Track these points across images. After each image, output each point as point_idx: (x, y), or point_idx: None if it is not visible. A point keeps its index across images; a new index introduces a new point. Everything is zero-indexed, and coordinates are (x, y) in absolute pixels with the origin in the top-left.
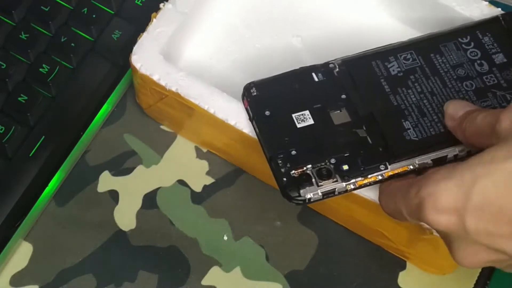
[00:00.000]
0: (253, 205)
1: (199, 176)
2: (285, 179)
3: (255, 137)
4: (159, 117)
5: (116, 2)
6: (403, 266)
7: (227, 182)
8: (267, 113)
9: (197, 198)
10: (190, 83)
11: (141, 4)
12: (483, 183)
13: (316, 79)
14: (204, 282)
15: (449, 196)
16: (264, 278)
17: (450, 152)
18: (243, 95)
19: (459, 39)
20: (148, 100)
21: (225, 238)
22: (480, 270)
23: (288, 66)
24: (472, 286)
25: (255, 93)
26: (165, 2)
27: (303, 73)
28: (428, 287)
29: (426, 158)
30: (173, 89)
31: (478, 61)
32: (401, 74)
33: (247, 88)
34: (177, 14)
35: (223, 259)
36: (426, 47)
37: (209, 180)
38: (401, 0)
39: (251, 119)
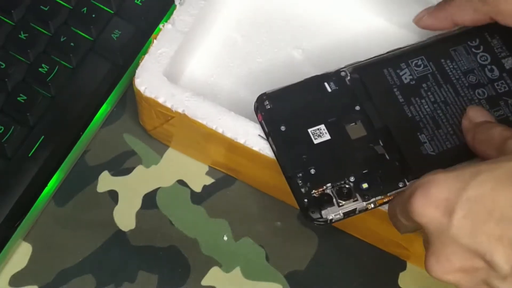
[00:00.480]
0: (253, 205)
1: (199, 176)
2: (306, 200)
3: (266, 154)
4: (165, 138)
5: (115, 2)
6: (403, 267)
7: (227, 182)
8: (282, 128)
9: (197, 198)
10: (197, 103)
11: (141, 4)
12: (483, 176)
13: (329, 89)
14: (204, 282)
15: (444, 186)
16: (264, 278)
17: None
18: (256, 108)
19: (468, 42)
20: (153, 123)
21: (225, 238)
22: None
23: (291, 79)
24: None
25: (268, 106)
26: (164, 23)
27: (315, 82)
28: None
29: None
30: (180, 110)
31: (489, 66)
32: (414, 82)
33: (260, 101)
34: (177, 34)
35: (223, 259)
36: (436, 52)
37: (209, 180)
38: (402, 6)
39: (266, 135)
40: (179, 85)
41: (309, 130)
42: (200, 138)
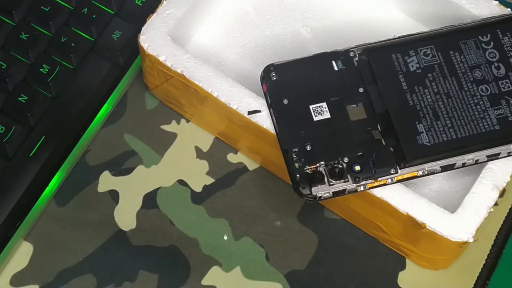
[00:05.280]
0: (253, 205)
1: (199, 176)
2: (298, 175)
3: (258, 123)
4: (165, 98)
5: (116, 2)
6: (403, 266)
7: (227, 182)
8: (285, 101)
9: (197, 198)
10: (196, 65)
11: (141, 4)
12: None
13: (335, 68)
14: (204, 282)
15: None
16: (264, 278)
17: (458, 160)
18: (262, 78)
19: (480, 37)
20: (154, 81)
21: (225, 238)
22: (479, 270)
23: (296, 55)
24: (472, 287)
25: (274, 78)
26: None
27: (324, 59)
28: (428, 287)
29: (435, 165)
30: (179, 70)
31: (496, 64)
32: (420, 71)
33: (267, 71)
34: None
35: (223, 259)
36: (446, 43)
37: (209, 180)
38: None
39: (268, 106)
40: (183, 48)
41: (310, 107)
42: (196, 101)
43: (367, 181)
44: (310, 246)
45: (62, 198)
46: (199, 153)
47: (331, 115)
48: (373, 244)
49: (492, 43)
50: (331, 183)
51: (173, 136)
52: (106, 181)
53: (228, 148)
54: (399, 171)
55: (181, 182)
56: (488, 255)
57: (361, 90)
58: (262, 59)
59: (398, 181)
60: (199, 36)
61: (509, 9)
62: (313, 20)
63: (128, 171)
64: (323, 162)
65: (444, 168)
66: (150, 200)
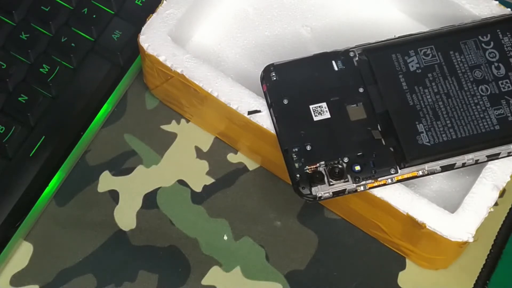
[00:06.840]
0: (253, 205)
1: (199, 176)
2: (298, 175)
3: (258, 123)
4: (165, 98)
5: (116, 2)
6: (403, 266)
7: (227, 182)
8: (285, 101)
9: (197, 198)
10: (196, 65)
11: (141, 4)
12: None
13: (335, 68)
14: (204, 282)
15: None
16: (264, 278)
17: (458, 160)
18: (262, 78)
19: (480, 37)
20: (154, 81)
21: (225, 238)
22: (479, 270)
23: (296, 55)
24: (472, 287)
25: (274, 78)
26: None
27: (323, 59)
28: (428, 287)
29: (435, 165)
30: (179, 70)
31: (496, 64)
32: (420, 71)
33: (267, 71)
34: None
35: (223, 259)
36: (446, 43)
37: (209, 180)
38: None
39: (268, 106)
40: (183, 48)
41: (310, 107)
42: (196, 101)
43: (367, 181)
44: (310, 246)
45: (62, 198)
46: (199, 153)
47: (331, 115)
48: (373, 244)
49: (492, 43)
50: (331, 183)
51: (173, 136)
52: (106, 181)
53: (228, 148)
54: (399, 171)
55: (181, 182)
56: (488, 255)
57: (361, 90)
58: (262, 59)
59: (398, 181)
60: (199, 36)
61: (509, 9)
62: (313, 20)
63: (128, 171)
64: (323, 162)
65: (444, 168)
66: (150, 200)
